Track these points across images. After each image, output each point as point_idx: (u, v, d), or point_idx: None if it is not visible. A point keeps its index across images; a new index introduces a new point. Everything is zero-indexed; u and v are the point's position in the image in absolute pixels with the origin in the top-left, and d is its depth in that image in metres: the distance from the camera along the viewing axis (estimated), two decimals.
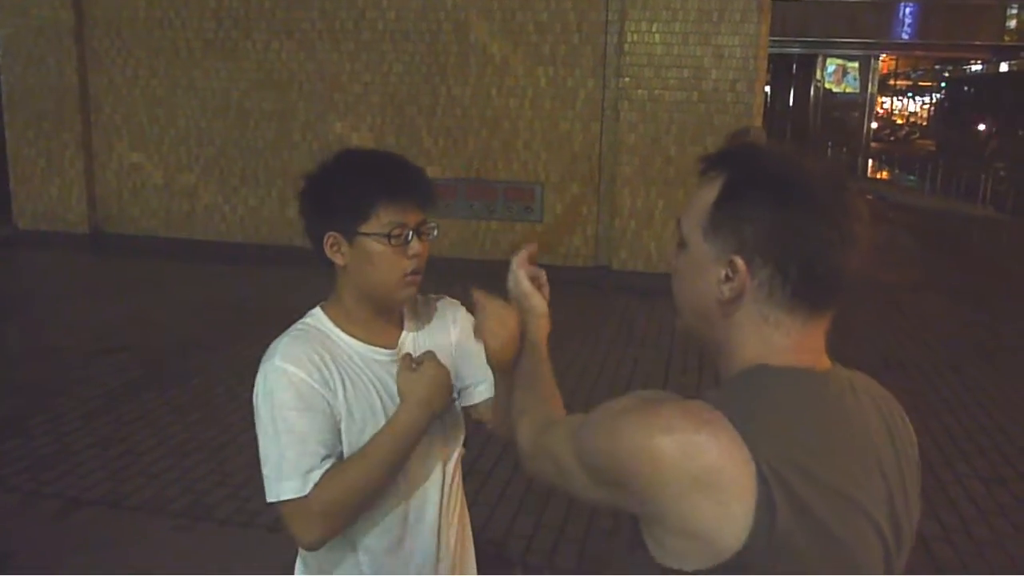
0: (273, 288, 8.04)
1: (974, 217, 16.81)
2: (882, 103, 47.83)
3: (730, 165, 1.14)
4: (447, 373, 1.69)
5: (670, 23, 8.83)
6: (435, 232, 1.73)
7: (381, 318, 1.75)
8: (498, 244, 9.77)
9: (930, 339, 7.65)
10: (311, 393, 1.62)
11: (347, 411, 1.65)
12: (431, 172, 1.79)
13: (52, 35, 10.45)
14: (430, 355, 1.69)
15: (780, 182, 1.08)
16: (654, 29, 8.87)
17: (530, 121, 9.54)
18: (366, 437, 1.65)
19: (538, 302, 1.60)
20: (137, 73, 10.52)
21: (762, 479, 0.97)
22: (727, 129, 7.62)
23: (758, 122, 8.88)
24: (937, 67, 45.04)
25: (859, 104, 34.85)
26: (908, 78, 50.90)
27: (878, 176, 27.08)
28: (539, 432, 1.36)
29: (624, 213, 9.25)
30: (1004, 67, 34.02)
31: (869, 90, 35.06)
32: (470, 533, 1.96)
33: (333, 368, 1.66)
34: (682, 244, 1.16)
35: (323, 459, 1.61)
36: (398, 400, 1.67)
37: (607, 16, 9.14)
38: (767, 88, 16.17)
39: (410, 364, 1.67)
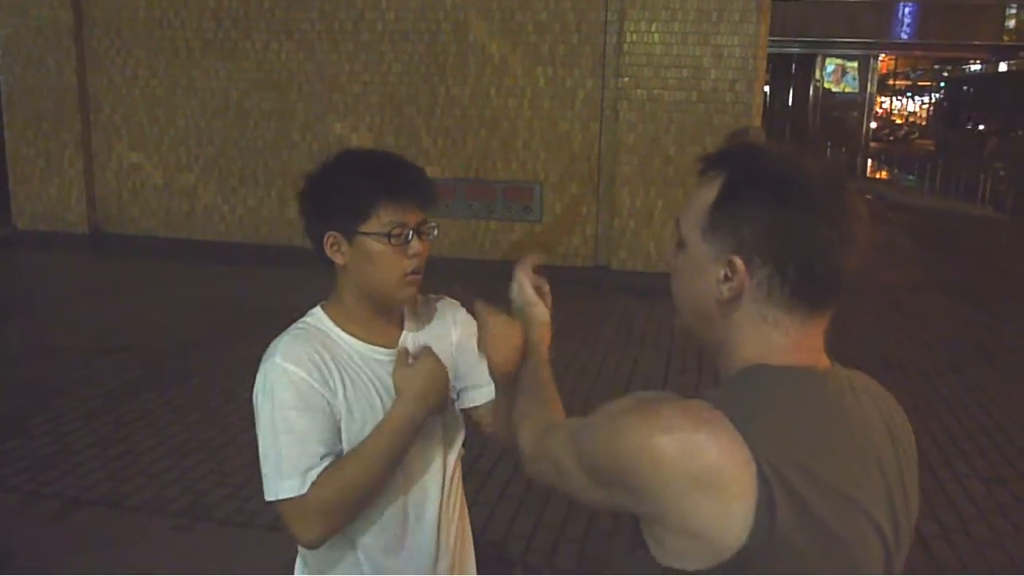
0: (272, 288, 8.05)
1: (973, 217, 16.81)
2: (881, 103, 47.79)
3: (729, 165, 1.14)
4: (443, 368, 1.69)
5: (669, 23, 8.83)
6: (435, 232, 1.73)
7: (381, 318, 1.75)
8: (497, 244, 9.78)
9: (930, 339, 7.65)
10: (311, 392, 1.62)
11: (347, 410, 1.65)
12: (430, 172, 1.79)
13: (51, 35, 10.45)
14: (426, 350, 1.69)
15: (779, 182, 1.08)
16: (653, 29, 8.87)
17: (529, 121, 9.54)
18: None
19: (541, 311, 1.64)
20: (136, 73, 10.52)
21: (762, 478, 0.97)
22: (726, 129, 7.62)
23: (757, 122, 8.88)
24: (936, 67, 45.02)
25: (858, 104, 34.82)
26: (907, 78, 50.88)
27: (877, 176, 27.07)
28: (540, 435, 1.37)
29: (623, 213, 9.26)
30: (1003, 67, 34.02)
31: (868, 90, 35.03)
32: (470, 533, 1.96)
33: (333, 367, 1.66)
34: (681, 244, 1.17)
35: (322, 458, 1.60)
36: None
37: (606, 16, 9.14)
38: (766, 88, 16.17)
39: (406, 359, 1.68)
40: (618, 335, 7.48)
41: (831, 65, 35.26)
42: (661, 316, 7.66)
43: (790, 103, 34.08)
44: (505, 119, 9.59)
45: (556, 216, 9.65)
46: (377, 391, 1.69)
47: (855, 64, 35.09)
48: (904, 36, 28.58)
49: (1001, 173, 20.40)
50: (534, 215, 9.69)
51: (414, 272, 1.69)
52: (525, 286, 1.64)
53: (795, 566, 0.99)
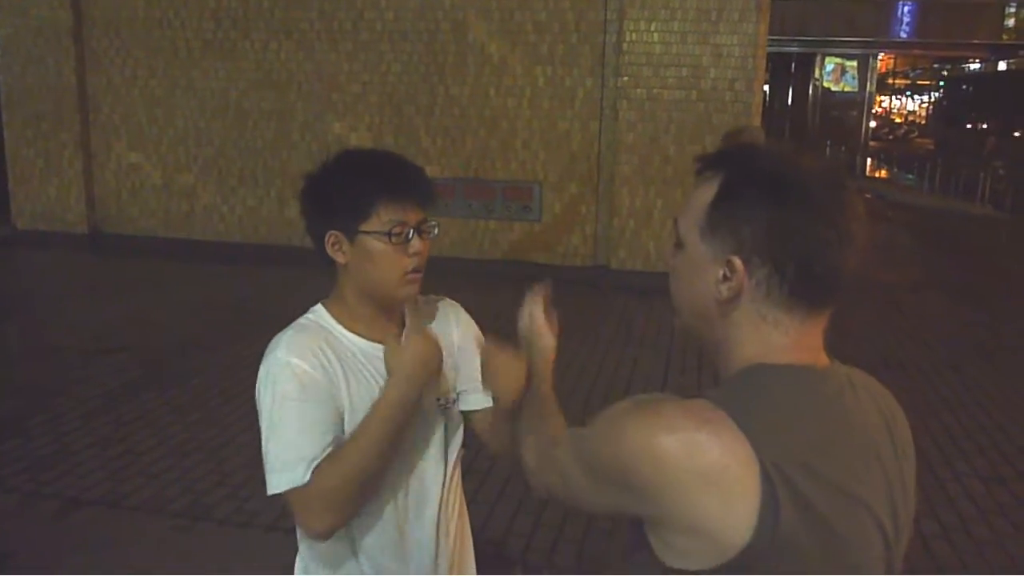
0: (272, 288, 8.05)
1: (973, 216, 16.82)
2: (880, 102, 47.81)
3: (727, 165, 1.14)
4: (435, 346, 1.67)
5: (668, 22, 8.83)
6: (435, 231, 1.74)
7: (383, 316, 1.75)
8: (497, 244, 9.78)
9: (929, 338, 7.65)
10: (314, 385, 1.62)
11: (350, 405, 1.65)
12: (429, 172, 1.79)
13: (51, 35, 10.44)
14: (416, 329, 1.69)
15: (777, 182, 1.08)
16: (652, 28, 8.87)
17: (528, 120, 9.54)
18: None
19: (548, 341, 1.66)
20: (136, 73, 10.52)
21: (765, 477, 0.98)
22: (726, 128, 7.62)
23: (757, 121, 8.88)
24: (935, 66, 45.04)
25: (858, 103, 34.85)
26: (907, 77, 50.91)
27: (877, 175, 27.09)
28: (544, 448, 1.38)
29: (623, 212, 9.25)
30: (1002, 66, 34.03)
31: (868, 89, 35.06)
32: (469, 532, 1.97)
33: (336, 363, 1.66)
34: (679, 244, 1.17)
35: (325, 448, 1.60)
36: None
37: (606, 15, 9.14)
38: (766, 87, 16.17)
39: (397, 340, 1.67)
40: (617, 335, 7.48)
41: (830, 64, 35.30)
42: (660, 316, 7.66)
43: (789, 102, 34.10)
44: (504, 119, 9.59)
45: (555, 215, 9.65)
46: (380, 388, 1.69)
47: (854, 63, 35.12)
48: (903, 35, 28.60)
49: (1000, 172, 20.43)
50: (533, 215, 9.69)
51: (415, 271, 1.69)
52: (536, 316, 1.67)
53: (798, 564, 1.00)
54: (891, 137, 42.95)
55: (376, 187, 1.66)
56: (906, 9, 27.91)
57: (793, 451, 1.01)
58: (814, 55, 32.70)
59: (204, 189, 10.59)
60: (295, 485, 1.57)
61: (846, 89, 35.61)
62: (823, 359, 1.13)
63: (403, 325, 1.80)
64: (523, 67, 9.43)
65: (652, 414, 1.04)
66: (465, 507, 1.94)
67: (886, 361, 6.79)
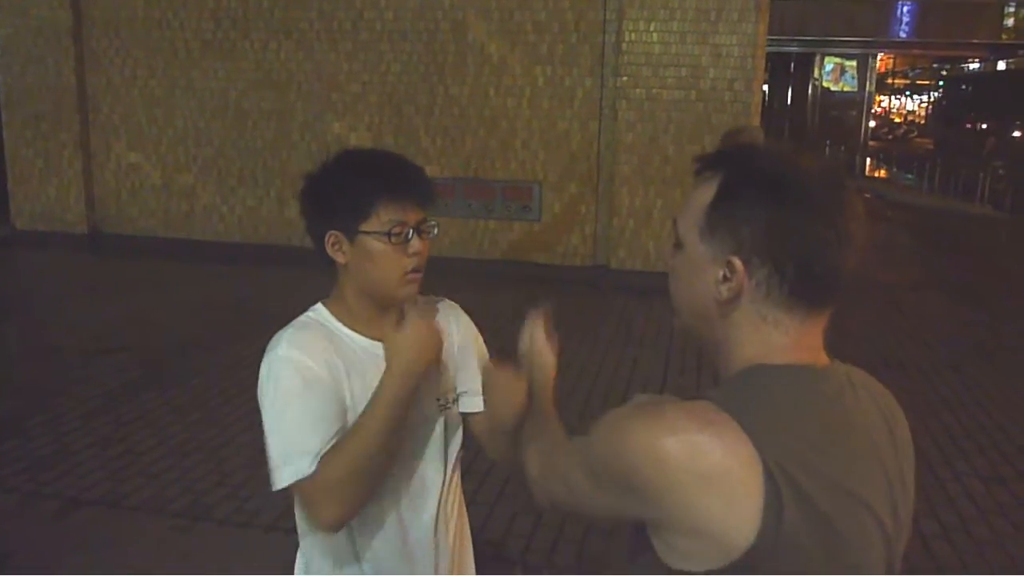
0: (272, 288, 8.05)
1: (972, 215, 16.82)
2: (880, 102, 47.83)
3: (726, 165, 1.14)
4: (433, 331, 1.66)
5: (668, 22, 8.83)
6: (435, 230, 1.74)
7: (383, 316, 1.75)
8: (496, 243, 9.78)
9: (929, 338, 7.66)
10: (317, 380, 1.62)
11: (352, 402, 1.65)
12: (429, 171, 1.79)
13: (50, 35, 10.44)
14: (415, 314, 1.67)
15: (776, 182, 1.08)
16: (652, 28, 8.87)
17: (528, 120, 9.54)
18: None
19: (548, 359, 1.68)
20: (135, 73, 10.52)
21: (769, 477, 0.98)
22: (725, 128, 7.62)
23: (756, 121, 8.88)
24: (935, 65, 45.05)
25: (857, 103, 34.88)
26: (906, 76, 50.92)
27: (876, 175, 27.11)
28: (546, 456, 1.38)
29: (622, 212, 9.26)
30: (1002, 65, 34.04)
31: (867, 89, 35.09)
32: (468, 532, 1.97)
33: (338, 359, 1.67)
34: (678, 244, 1.17)
35: (329, 442, 1.58)
36: None
37: (605, 15, 9.14)
38: (765, 87, 16.16)
39: (395, 327, 1.66)
40: (617, 334, 7.48)
41: (830, 64, 35.32)
42: (660, 315, 7.66)
43: (789, 102, 34.13)
44: (504, 118, 9.59)
45: (555, 215, 9.65)
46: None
47: (854, 63, 35.15)
48: (903, 35, 28.61)
49: (1000, 172, 20.44)
50: (533, 214, 9.69)
51: (414, 270, 1.69)
52: (537, 338, 1.68)
53: (801, 564, 1.00)
54: (890, 137, 42.97)
55: (376, 187, 1.66)
56: (905, 9, 27.92)
57: (795, 451, 1.01)
58: (813, 55, 32.73)
59: (204, 189, 10.59)
60: (301, 477, 1.56)
61: (845, 89, 35.64)
62: (823, 358, 1.14)
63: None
64: (522, 67, 9.43)
65: (654, 416, 1.04)
66: (464, 508, 1.94)
67: (886, 361, 6.79)
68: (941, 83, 45.10)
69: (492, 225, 9.79)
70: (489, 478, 4.50)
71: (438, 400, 1.80)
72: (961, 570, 3.88)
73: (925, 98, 49.87)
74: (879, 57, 37.60)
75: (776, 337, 1.10)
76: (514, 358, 1.69)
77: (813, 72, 33.87)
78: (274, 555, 3.55)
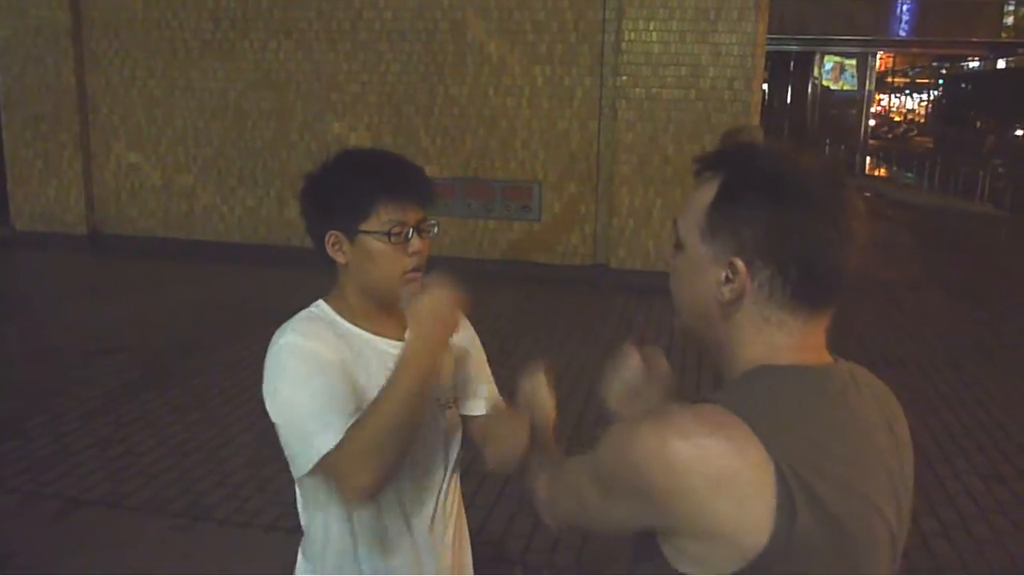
0: (272, 288, 8.04)
1: (972, 214, 16.82)
2: (880, 100, 47.79)
3: (726, 166, 1.14)
4: (455, 295, 1.61)
5: (667, 21, 8.83)
6: (435, 230, 1.74)
7: (383, 314, 1.75)
8: (496, 243, 9.78)
9: (929, 336, 7.66)
10: (328, 364, 1.62)
11: (361, 392, 1.64)
12: (429, 171, 1.79)
13: (50, 36, 10.44)
14: (435, 280, 1.62)
15: (777, 182, 1.08)
16: (651, 27, 8.87)
17: (527, 120, 9.54)
18: None
19: (550, 404, 1.68)
20: (135, 74, 10.52)
21: (781, 479, 0.98)
22: (725, 127, 7.63)
23: (756, 120, 8.88)
24: (935, 64, 45.02)
25: (857, 101, 34.84)
26: (906, 75, 50.88)
27: (876, 173, 27.09)
28: (554, 477, 1.37)
29: (622, 212, 9.26)
30: (1001, 64, 34.03)
31: (867, 87, 35.04)
32: (467, 533, 1.97)
33: (346, 348, 1.67)
34: (679, 245, 1.16)
35: (349, 417, 1.56)
36: None
37: (604, 15, 9.14)
38: (765, 86, 16.17)
39: (416, 292, 1.62)
40: (617, 334, 7.47)
41: (829, 63, 35.29)
42: (660, 315, 7.66)
43: (789, 101, 34.08)
44: (503, 118, 9.59)
45: (555, 215, 9.65)
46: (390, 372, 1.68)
47: (853, 62, 35.11)
48: (902, 33, 28.60)
49: (1000, 170, 20.42)
50: (533, 214, 9.70)
51: (414, 270, 1.69)
52: (539, 388, 1.68)
53: (812, 566, 1.00)
54: (890, 135, 42.93)
55: (375, 187, 1.66)
56: (905, 7, 27.91)
57: (805, 452, 1.01)
58: (813, 54, 32.68)
59: (203, 189, 10.59)
60: (327, 451, 1.53)
61: (845, 87, 35.61)
62: (826, 357, 1.14)
63: (405, 325, 1.80)
64: (522, 66, 9.44)
65: (662, 421, 1.03)
66: (463, 508, 1.95)
67: (886, 358, 6.79)
68: (941, 82, 45.08)
69: (492, 225, 9.80)
70: (489, 479, 4.49)
71: (438, 400, 1.80)
72: (961, 568, 3.89)
73: (925, 97, 49.84)
74: (879, 56, 37.57)
75: (780, 338, 1.10)
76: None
77: (813, 71, 33.84)
78: (274, 555, 3.56)
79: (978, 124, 34.11)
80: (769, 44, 10.50)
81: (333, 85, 9.94)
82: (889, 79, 50.07)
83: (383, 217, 1.65)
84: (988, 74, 35.91)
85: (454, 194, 9.63)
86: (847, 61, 35.30)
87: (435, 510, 1.80)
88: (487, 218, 9.78)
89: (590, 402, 5.50)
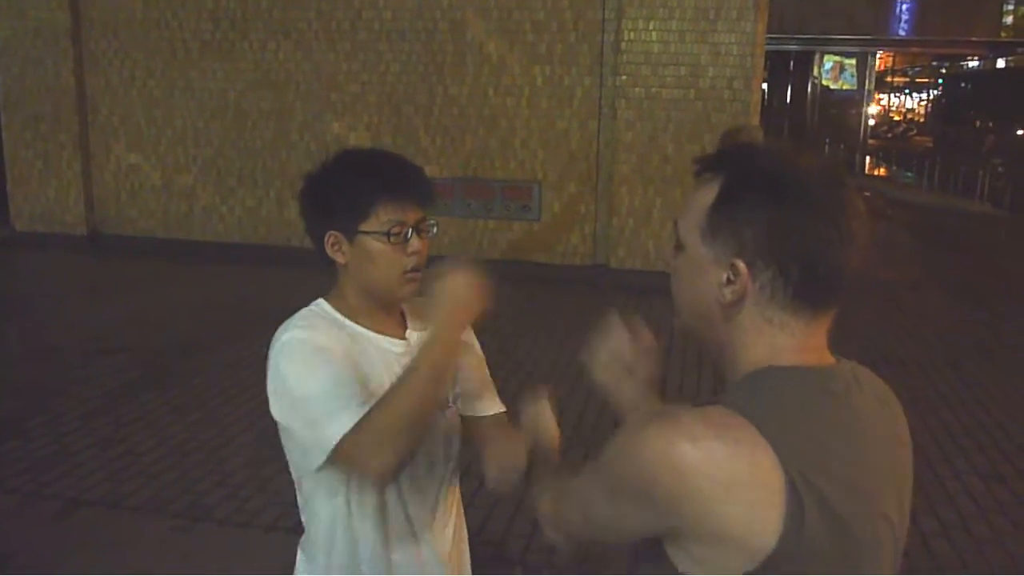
0: (272, 288, 8.04)
1: (972, 213, 16.82)
2: (879, 100, 47.79)
3: (726, 167, 1.13)
4: (479, 277, 1.60)
5: (667, 21, 8.83)
6: (435, 229, 1.74)
7: (384, 313, 1.76)
8: (496, 243, 9.78)
9: (929, 336, 7.66)
10: (333, 354, 1.61)
11: (366, 384, 1.63)
12: (428, 171, 1.79)
13: (49, 36, 10.44)
14: (457, 263, 1.61)
15: (777, 183, 1.07)
16: (651, 27, 8.87)
17: (527, 120, 9.54)
18: None
19: (554, 428, 1.72)
20: (134, 74, 10.52)
21: (790, 482, 0.97)
22: (724, 127, 7.62)
23: (755, 119, 8.88)
24: (934, 63, 45.03)
25: (856, 101, 34.85)
26: (905, 75, 50.88)
27: (876, 173, 27.10)
28: (558, 488, 1.36)
29: (622, 211, 9.26)
30: (1001, 63, 34.04)
31: (866, 87, 35.05)
32: (465, 533, 1.97)
33: (351, 343, 1.67)
34: (680, 246, 1.16)
35: (363, 402, 1.54)
36: None
37: (604, 14, 9.14)
38: (764, 85, 16.17)
39: (441, 274, 1.60)
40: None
41: (829, 62, 35.30)
42: (660, 314, 7.58)
43: (788, 100, 34.08)
44: (503, 118, 9.59)
45: (555, 215, 9.66)
46: (391, 379, 1.68)
47: (853, 61, 35.13)
48: (902, 33, 28.62)
49: (999, 169, 20.43)
50: (532, 214, 9.70)
51: (414, 270, 1.69)
52: (542, 414, 1.71)
53: (819, 567, 1.00)
54: (890, 135, 42.93)
55: (375, 187, 1.66)
56: (905, 7, 27.93)
57: (812, 454, 1.01)
58: (813, 53, 32.68)
59: (203, 190, 10.60)
60: (342, 435, 1.51)
61: (845, 87, 35.63)
62: (828, 358, 1.14)
63: (406, 324, 1.81)
64: (521, 66, 9.44)
65: (670, 424, 1.02)
66: (462, 507, 1.95)
67: (886, 358, 6.79)
68: (940, 81, 45.08)
69: (492, 225, 9.80)
70: None
71: None
72: (961, 568, 3.88)
73: (924, 96, 49.84)
74: (878, 55, 37.57)
75: (782, 339, 1.10)
76: (518, 420, 1.73)
77: (812, 70, 33.84)
78: (274, 555, 3.55)
79: (977, 123, 34.11)
80: (768, 44, 10.51)
81: (333, 85, 9.94)
82: (889, 78, 50.07)
83: (382, 217, 1.65)
84: (988, 73, 35.92)
85: (454, 194, 9.63)
86: (847, 60, 35.31)
87: (436, 509, 1.81)
88: (487, 218, 9.78)
89: (590, 402, 5.50)
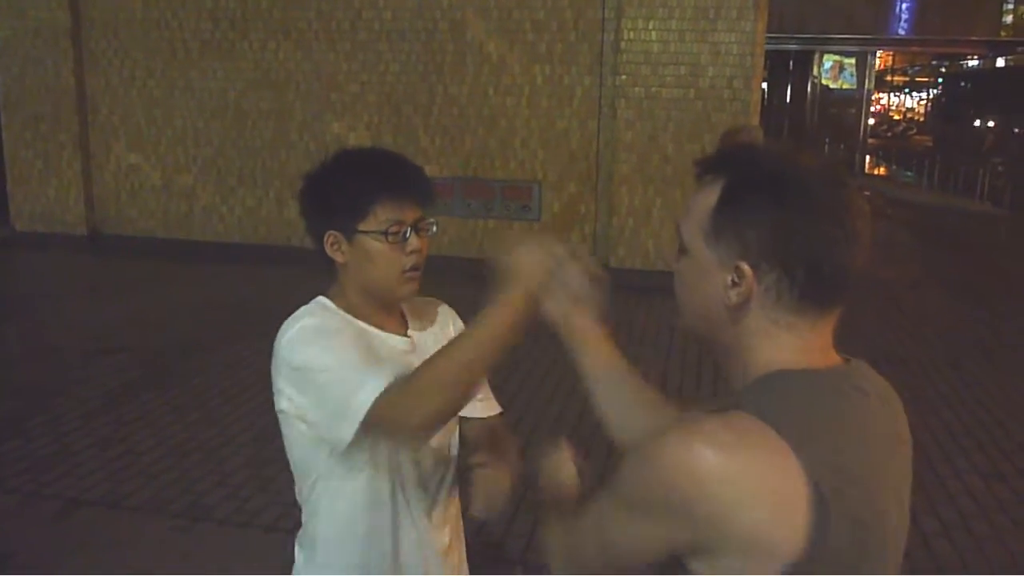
0: (272, 288, 8.03)
1: (972, 213, 16.82)
2: (879, 99, 47.78)
3: (728, 168, 1.13)
4: (551, 256, 1.54)
5: (667, 20, 8.83)
6: (434, 228, 1.74)
7: (384, 312, 1.76)
8: (496, 243, 9.76)
9: (929, 335, 7.66)
10: (345, 337, 1.61)
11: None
12: (428, 171, 1.79)
13: (49, 36, 10.44)
14: (520, 240, 1.58)
15: (780, 184, 1.07)
16: (651, 26, 8.87)
17: (527, 119, 9.54)
18: None
19: (575, 478, 1.59)
20: (134, 74, 10.52)
21: (813, 486, 0.96)
22: (724, 126, 7.62)
23: (755, 119, 8.88)
24: (934, 63, 45.00)
25: (856, 100, 34.79)
26: (905, 74, 50.87)
27: (876, 172, 27.10)
28: (571, 526, 1.28)
29: (622, 211, 9.26)
30: (1001, 62, 34.02)
31: (866, 86, 34.99)
32: (463, 534, 1.98)
33: (359, 335, 1.67)
34: (683, 249, 1.15)
35: (389, 373, 1.51)
36: None
37: (604, 14, 9.13)
38: (764, 85, 16.16)
39: (506, 248, 1.56)
40: (617, 333, 7.44)
41: (829, 62, 35.27)
42: (660, 314, 7.66)
43: (788, 100, 34.03)
44: (503, 118, 9.59)
45: (555, 215, 9.65)
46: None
47: (853, 60, 35.08)
48: (902, 32, 28.61)
49: (999, 168, 20.42)
50: (532, 214, 9.69)
51: (413, 269, 1.70)
52: (563, 466, 1.58)
53: (840, 568, 0.99)
54: (890, 134, 42.91)
55: (374, 186, 1.66)
56: (904, 6, 27.92)
57: (830, 457, 1.00)
58: (812, 53, 32.65)
59: (203, 189, 10.59)
60: (375, 397, 1.49)
61: (845, 86, 35.59)
62: (834, 358, 1.13)
63: (406, 323, 1.81)
64: (521, 66, 9.43)
65: (690, 431, 1.01)
66: (460, 508, 1.94)
67: (887, 357, 6.78)
68: (940, 80, 45.05)
69: (492, 224, 9.79)
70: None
71: None
72: (961, 568, 3.88)
73: (924, 95, 49.82)
74: (878, 54, 37.56)
75: (790, 341, 1.09)
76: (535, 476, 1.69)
77: (812, 70, 33.79)
78: (274, 555, 3.54)
79: (977, 122, 34.08)
80: (768, 43, 10.49)
81: (332, 85, 9.94)
82: (888, 78, 50.07)
83: (380, 216, 1.65)
84: (987, 72, 35.89)
85: (454, 194, 9.63)
86: (846, 60, 35.27)
87: (433, 508, 1.81)
88: (487, 218, 9.78)
89: (590, 402, 5.50)
